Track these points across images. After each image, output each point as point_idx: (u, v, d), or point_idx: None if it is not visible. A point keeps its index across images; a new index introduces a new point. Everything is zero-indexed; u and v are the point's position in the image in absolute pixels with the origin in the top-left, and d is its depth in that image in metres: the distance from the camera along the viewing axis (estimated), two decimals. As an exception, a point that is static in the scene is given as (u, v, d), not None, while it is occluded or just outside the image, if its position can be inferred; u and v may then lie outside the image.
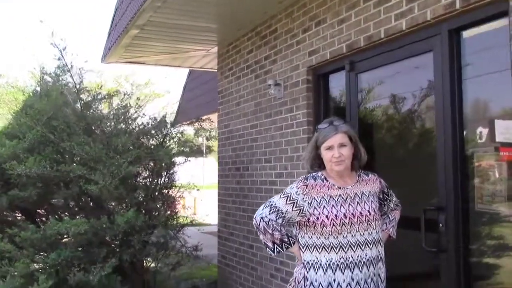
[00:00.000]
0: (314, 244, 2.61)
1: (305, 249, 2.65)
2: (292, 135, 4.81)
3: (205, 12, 5.13)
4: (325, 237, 2.58)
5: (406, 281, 3.78)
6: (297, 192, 2.63)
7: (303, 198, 2.61)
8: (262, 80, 5.39)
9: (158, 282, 5.45)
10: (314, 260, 2.61)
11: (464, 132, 3.24)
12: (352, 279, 2.56)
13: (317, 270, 2.59)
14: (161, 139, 5.21)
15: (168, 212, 5.05)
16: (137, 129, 5.06)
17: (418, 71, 3.71)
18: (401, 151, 3.97)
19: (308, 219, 2.61)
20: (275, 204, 2.65)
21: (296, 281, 2.68)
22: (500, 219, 3.09)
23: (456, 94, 3.22)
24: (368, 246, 2.62)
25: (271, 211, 2.63)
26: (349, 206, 2.63)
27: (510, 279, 2.96)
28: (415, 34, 3.47)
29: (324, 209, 2.59)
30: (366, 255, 2.61)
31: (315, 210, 2.60)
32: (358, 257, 2.59)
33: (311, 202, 2.61)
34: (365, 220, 2.63)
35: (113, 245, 4.58)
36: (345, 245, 2.58)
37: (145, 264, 5.09)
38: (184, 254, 5.23)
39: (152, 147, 4.99)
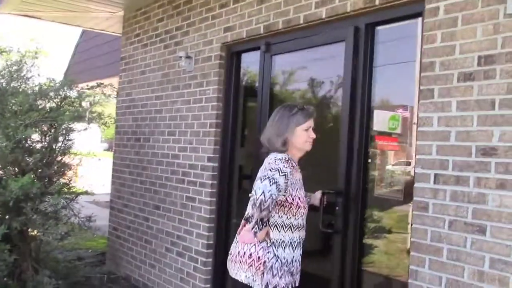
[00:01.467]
0: (283, 223, 2.71)
1: (274, 228, 2.71)
2: (200, 110, 4.77)
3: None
4: (295, 218, 2.73)
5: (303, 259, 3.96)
6: (290, 172, 2.65)
7: (290, 179, 2.68)
8: (172, 51, 5.26)
9: (44, 252, 5.16)
10: (281, 239, 2.71)
11: (359, 123, 3.44)
12: (299, 256, 2.80)
13: (284, 248, 2.71)
14: (60, 102, 4.88)
15: (63, 180, 4.78)
16: (35, 89, 4.68)
17: (330, 60, 3.86)
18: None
19: (286, 199, 2.69)
20: (278, 182, 2.57)
21: (266, 259, 2.64)
22: (383, 203, 3.40)
23: (363, 85, 3.40)
24: (304, 227, 2.86)
25: (277, 189, 2.56)
26: (302, 189, 2.85)
27: (390, 256, 3.25)
28: (333, 24, 3.59)
29: (297, 191, 2.74)
30: (304, 235, 2.86)
31: (292, 191, 2.71)
32: (303, 236, 2.84)
33: (291, 183, 2.70)
34: (307, 203, 2.90)
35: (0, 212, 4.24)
36: (300, 226, 2.79)
37: (32, 232, 4.79)
38: (76, 225, 4.99)
39: (50, 110, 4.66)
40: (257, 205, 2.51)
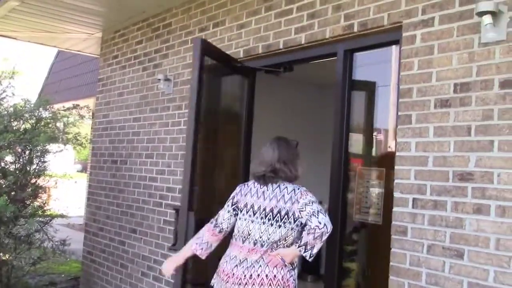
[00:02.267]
0: None
1: None
2: (178, 133, 4.75)
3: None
4: None
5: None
6: None
7: None
8: (151, 73, 5.25)
9: (15, 278, 5.02)
10: (297, 261, 2.85)
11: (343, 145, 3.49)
12: None
13: (296, 269, 2.87)
14: (35, 124, 4.81)
15: (37, 203, 4.67)
16: (10, 110, 4.60)
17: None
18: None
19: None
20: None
21: (291, 282, 2.78)
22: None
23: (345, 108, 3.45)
24: None
25: None
26: None
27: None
28: (312, 50, 3.65)
29: None
30: None
31: None
32: None
33: None
34: None
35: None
36: None
37: (4, 257, 4.65)
38: (50, 249, 4.87)
39: (25, 131, 4.58)
40: (325, 237, 2.69)
